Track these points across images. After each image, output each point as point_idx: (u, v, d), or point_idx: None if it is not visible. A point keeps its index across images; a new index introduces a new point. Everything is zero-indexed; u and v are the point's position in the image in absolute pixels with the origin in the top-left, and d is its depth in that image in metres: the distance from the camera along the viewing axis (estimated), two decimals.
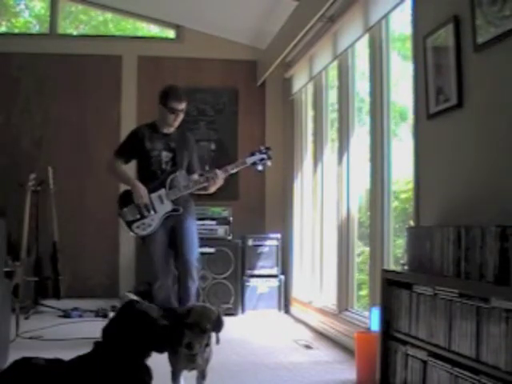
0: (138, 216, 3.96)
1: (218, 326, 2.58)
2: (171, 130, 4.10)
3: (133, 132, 4.19)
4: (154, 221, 3.96)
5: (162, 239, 4.01)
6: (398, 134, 4.53)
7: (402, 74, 4.15)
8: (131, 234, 4.07)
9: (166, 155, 4.06)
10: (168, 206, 3.97)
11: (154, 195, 3.97)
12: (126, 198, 4.01)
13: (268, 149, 4.06)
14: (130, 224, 3.99)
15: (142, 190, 3.94)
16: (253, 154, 4.02)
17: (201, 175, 4.13)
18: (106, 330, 2.11)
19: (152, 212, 3.95)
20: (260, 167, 4.04)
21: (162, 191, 3.97)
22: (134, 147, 4.08)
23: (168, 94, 4.03)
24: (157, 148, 4.05)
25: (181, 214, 4.01)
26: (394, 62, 3.99)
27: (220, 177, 3.93)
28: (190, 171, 4.13)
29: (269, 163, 4.05)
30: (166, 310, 2.46)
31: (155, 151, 4.04)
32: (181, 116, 4.06)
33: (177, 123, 4.08)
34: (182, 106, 4.04)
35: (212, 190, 4.03)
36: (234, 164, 4.06)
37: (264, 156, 4.01)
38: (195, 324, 2.50)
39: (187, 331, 2.48)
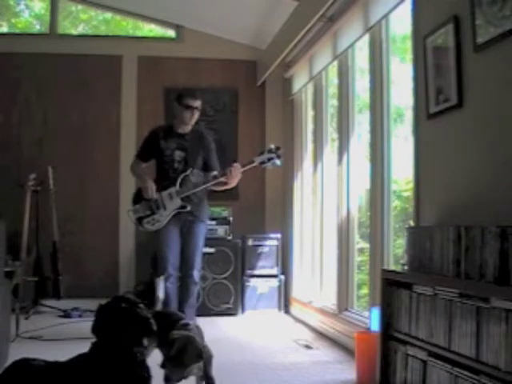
0: (149, 212, 4.13)
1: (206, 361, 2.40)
2: (187, 129, 4.22)
3: (149, 133, 4.35)
4: (162, 217, 4.10)
5: (172, 235, 4.15)
6: (397, 134, 4.53)
7: (400, 75, 4.15)
8: (141, 228, 4.24)
9: (178, 154, 4.17)
10: (177, 204, 4.09)
11: (164, 193, 4.11)
12: (139, 196, 4.19)
13: (278, 148, 4.08)
14: (140, 220, 4.17)
15: (149, 185, 4.10)
16: (262, 153, 4.06)
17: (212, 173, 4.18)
18: (95, 330, 2.11)
19: (162, 208, 4.10)
20: (269, 166, 4.09)
21: (172, 189, 4.10)
22: (150, 148, 4.25)
23: (183, 92, 4.23)
24: (170, 147, 4.17)
25: (192, 216, 4.12)
26: (393, 63, 3.99)
27: (237, 169, 3.98)
28: (207, 170, 4.21)
29: (278, 162, 4.07)
30: (157, 315, 2.43)
31: (168, 150, 4.17)
32: (196, 114, 4.20)
33: (193, 121, 4.21)
34: (197, 103, 4.18)
35: (233, 183, 4.08)
36: (243, 163, 4.09)
37: (272, 155, 4.04)
38: (176, 358, 2.35)
39: (168, 364, 2.35)
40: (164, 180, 4.16)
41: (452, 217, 2.79)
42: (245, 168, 4.07)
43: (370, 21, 3.86)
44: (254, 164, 4.06)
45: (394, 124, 4.25)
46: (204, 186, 4.11)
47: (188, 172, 4.13)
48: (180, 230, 4.17)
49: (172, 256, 4.13)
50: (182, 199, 4.08)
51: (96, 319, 2.14)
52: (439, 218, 2.91)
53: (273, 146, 4.08)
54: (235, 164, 4.03)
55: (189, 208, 4.09)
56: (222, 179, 4.03)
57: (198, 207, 4.17)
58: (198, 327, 2.73)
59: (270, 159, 4.03)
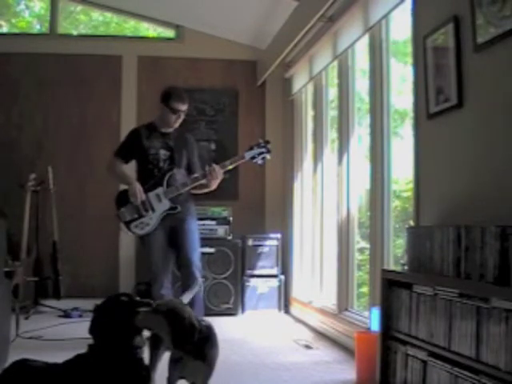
0: (136, 215, 3.93)
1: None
2: (170, 129, 4.08)
3: (131, 132, 4.18)
4: (152, 220, 3.92)
5: (160, 239, 3.99)
6: (398, 133, 4.53)
7: (399, 76, 4.15)
8: (129, 233, 4.04)
9: (163, 153, 4.01)
10: (166, 205, 3.93)
11: (151, 194, 3.93)
12: (124, 198, 3.98)
13: (267, 142, 3.99)
14: (128, 224, 3.96)
15: (137, 188, 3.90)
16: (251, 149, 3.96)
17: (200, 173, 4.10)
18: (92, 331, 2.11)
19: (150, 211, 3.92)
20: (259, 161, 3.97)
21: (160, 189, 3.93)
22: (132, 147, 4.06)
23: (171, 94, 4.01)
24: (155, 146, 4.01)
25: (181, 214, 3.98)
26: (392, 64, 3.99)
27: (218, 171, 3.87)
28: (190, 171, 4.10)
29: (268, 157, 3.98)
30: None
31: (153, 149, 4.01)
32: (182, 117, 4.05)
33: (177, 124, 4.06)
34: (185, 107, 4.02)
35: (213, 186, 3.97)
36: (233, 159, 4.00)
37: (263, 150, 3.95)
38: None
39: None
40: (149, 180, 3.96)
41: (452, 217, 2.79)
42: (234, 164, 3.97)
43: (370, 21, 3.86)
44: (245, 159, 3.95)
45: (396, 124, 4.25)
46: (193, 185, 3.96)
47: (174, 171, 3.98)
48: (168, 233, 3.99)
49: (163, 263, 3.99)
50: (171, 200, 3.93)
51: (93, 320, 2.14)
52: (439, 218, 2.91)
53: (261, 140, 4.00)
54: (215, 165, 3.87)
55: (179, 209, 3.94)
56: (203, 181, 3.91)
57: (185, 204, 4.02)
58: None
59: (260, 154, 3.93)
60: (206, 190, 4.05)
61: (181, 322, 2.25)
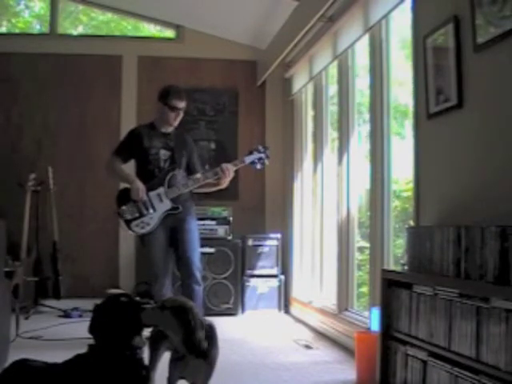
0: (137, 214, 3.93)
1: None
2: (170, 129, 4.09)
3: (131, 131, 4.19)
4: (152, 219, 3.93)
5: (161, 239, 3.99)
6: (400, 132, 4.52)
7: (404, 72, 4.14)
8: (130, 232, 4.03)
9: (164, 153, 4.03)
10: (167, 205, 3.94)
11: (152, 193, 3.94)
12: (125, 196, 3.97)
13: (266, 148, 4.08)
14: (128, 222, 3.95)
15: (139, 186, 3.90)
16: (251, 153, 4.03)
17: (203, 173, 4.12)
18: (92, 331, 2.11)
19: (151, 210, 3.92)
20: (258, 166, 4.05)
21: (161, 189, 3.94)
22: (132, 146, 4.07)
23: (169, 92, 4.03)
24: (155, 146, 4.02)
25: (181, 214, 3.99)
26: (398, 60, 3.99)
27: (231, 169, 3.91)
28: (191, 171, 4.11)
29: (267, 162, 4.07)
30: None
31: (153, 149, 4.02)
32: (181, 115, 4.06)
33: (177, 122, 4.07)
34: (183, 104, 4.05)
35: (224, 184, 4.00)
36: (234, 162, 4.04)
37: (262, 155, 4.03)
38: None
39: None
40: (150, 180, 3.96)
41: (452, 217, 2.79)
42: (235, 168, 4.00)
43: (370, 21, 3.86)
44: (244, 164, 4.02)
45: (401, 128, 4.25)
46: (195, 186, 3.98)
47: (176, 171, 3.99)
48: (170, 231, 4.00)
49: (163, 262, 4.00)
50: (172, 200, 3.93)
51: (92, 319, 2.14)
52: (439, 218, 2.91)
53: (261, 147, 4.08)
54: (227, 165, 3.91)
55: (180, 209, 3.95)
56: (211, 181, 3.94)
57: (185, 205, 4.02)
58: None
59: (259, 159, 4.02)
60: (214, 189, 4.08)
61: (189, 319, 2.25)
